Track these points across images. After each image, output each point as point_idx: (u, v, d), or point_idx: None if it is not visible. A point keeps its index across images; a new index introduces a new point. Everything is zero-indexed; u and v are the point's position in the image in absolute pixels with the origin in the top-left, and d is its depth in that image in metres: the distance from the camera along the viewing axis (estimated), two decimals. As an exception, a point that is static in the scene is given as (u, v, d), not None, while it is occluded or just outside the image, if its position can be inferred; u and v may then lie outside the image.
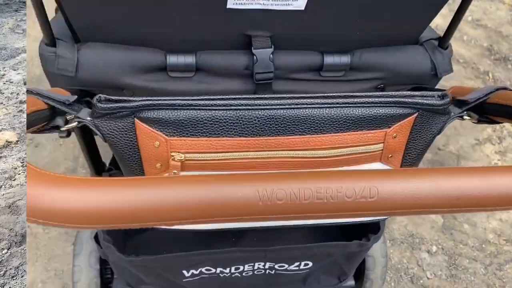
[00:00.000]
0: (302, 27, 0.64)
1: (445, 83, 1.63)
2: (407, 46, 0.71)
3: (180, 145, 0.51)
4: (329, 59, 0.68)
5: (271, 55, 0.65)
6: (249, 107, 0.51)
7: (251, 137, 0.52)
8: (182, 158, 0.51)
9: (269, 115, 0.52)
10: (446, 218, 1.56)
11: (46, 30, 0.58)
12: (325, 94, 0.52)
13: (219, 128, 0.51)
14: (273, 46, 0.65)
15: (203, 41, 0.65)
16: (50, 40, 0.60)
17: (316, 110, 0.52)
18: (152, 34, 0.63)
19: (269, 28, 0.64)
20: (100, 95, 0.49)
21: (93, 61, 0.62)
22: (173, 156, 0.51)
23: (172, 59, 0.65)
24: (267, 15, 0.61)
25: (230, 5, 0.58)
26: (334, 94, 0.53)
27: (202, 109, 0.50)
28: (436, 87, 0.76)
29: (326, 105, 0.52)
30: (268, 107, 0.52)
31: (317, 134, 0.53)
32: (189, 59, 0.65)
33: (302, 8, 0.60)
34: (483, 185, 0.32)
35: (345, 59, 0.69)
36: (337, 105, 0.52)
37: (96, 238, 0.87)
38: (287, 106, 0.52)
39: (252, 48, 0.64)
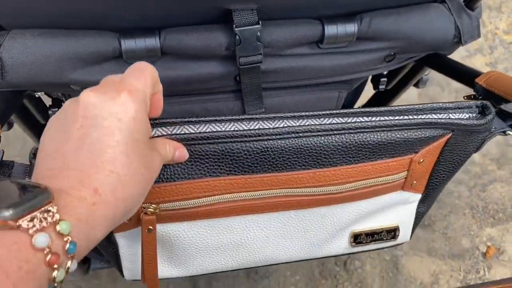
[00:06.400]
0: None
1: None
2: (426, 5, 0.56)
3: (150, 193, 0.39)
4: (331, 30, 0.53)
5: (258, 33, 0.50)
6: (237, 139, 0.39)
7: (242, 174, 0.40)
8: (157, 210, 0.39)
9: (263, 148, 0.40)
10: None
11: None
12: (332, 112, 0.39)
13: (198, 167, 0.39)
14: (260, 21, 0.50)
15: (167, 16, 0.49)
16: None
17: (322, 138, 0.40)
18: (98, 12, 0.47)
19: (255, -1, 0.48)
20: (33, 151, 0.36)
21: (22, 58, 0.46)
22: (144, 208, 0.39)
23: (129, 44, 0.49)
24: (253, -13, 0.45)
25: (202, -19, 0.42)
26: (345, 111, 0.40)
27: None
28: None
29: (335, 132, 0.40)
30: (260, 138, 0.39)
31: (326, 167, 0.41)
32: (151, 42, 0.49)
33: (301, -23, 0.44)
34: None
35: (350, 28, 0.54)
36: (350, 131, 0.39)
37: None
38: (285, 136, 0.39)
39: (234, 26, 0.49)
